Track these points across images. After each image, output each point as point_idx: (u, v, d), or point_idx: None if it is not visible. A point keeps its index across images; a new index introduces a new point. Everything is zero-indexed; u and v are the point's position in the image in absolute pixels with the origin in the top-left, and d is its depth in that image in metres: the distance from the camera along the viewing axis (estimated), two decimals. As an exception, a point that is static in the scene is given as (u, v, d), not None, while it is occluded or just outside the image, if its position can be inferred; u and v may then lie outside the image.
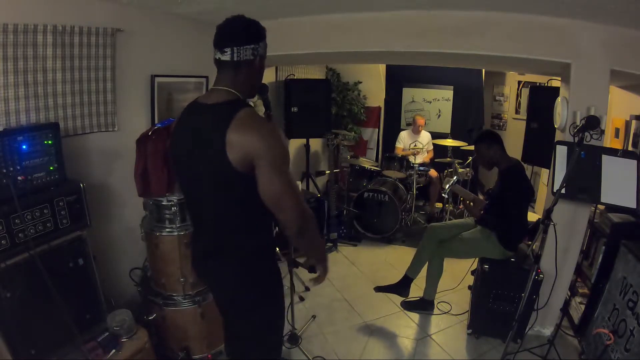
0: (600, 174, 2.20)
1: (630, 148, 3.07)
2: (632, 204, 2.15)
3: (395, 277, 2.91)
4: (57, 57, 1.97)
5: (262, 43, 1.28)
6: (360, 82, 5.63)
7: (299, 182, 4.05)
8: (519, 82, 5.57)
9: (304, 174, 4.48)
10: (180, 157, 1.32)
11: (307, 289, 3.17)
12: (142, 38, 2.39)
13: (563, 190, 2.07)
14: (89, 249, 1.92)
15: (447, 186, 3.00)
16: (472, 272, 2.91)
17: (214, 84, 1.30)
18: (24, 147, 1.68)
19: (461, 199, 4.38)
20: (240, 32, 1.23)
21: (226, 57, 1.22)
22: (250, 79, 1.29)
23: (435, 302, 2.91)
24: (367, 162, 4.83)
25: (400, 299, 2.91)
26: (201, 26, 2.69)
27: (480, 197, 3.10)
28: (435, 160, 4.81)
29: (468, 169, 4.45)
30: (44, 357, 1.70)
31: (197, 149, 1.24)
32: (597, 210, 2.53)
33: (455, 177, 3.08)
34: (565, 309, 2.57)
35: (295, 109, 4.14)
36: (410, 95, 5.63)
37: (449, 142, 4.54)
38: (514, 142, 4.38)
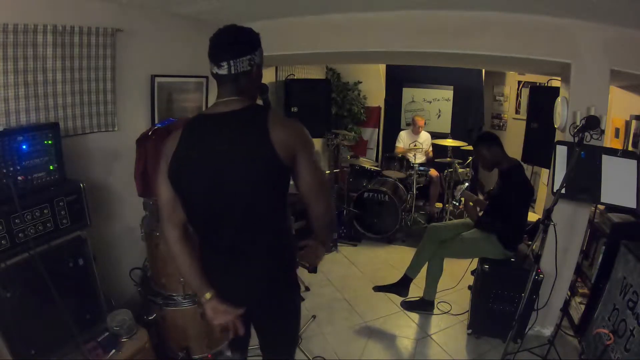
0: (600, 174, 2.20)
1: (630, 148, 3.07)
2: (632, 204, 2.15)
3: (395, 277, 2.91)
4: (57, 57, 1.97)
5: (258, 51, 1.28)
6: (360, 82, 5.63)
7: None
8: (519, 82, 5.57)
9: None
10: (198, 167, 1.27)
11: (307, 288, 3.17)
12: (142, 38, 2.39)
13: (563, 190, 2.07)
14: (89, 249, 1.92)
15: (459, 194, 3.01)
16: (472, 272, 2.90)
17: (218, 97, 1.29)
18: (24, 147, 1.67)
19: (462, 199, 4.39)
20: (235, 45, 1.23)
21: (223, 71, 1.23)
22: (250, 87, 1.30)
23: (435, 302, 2.91)
24: (367, 162, 4.83)
25: (400, 299, 2.91)
26: (201, 26, 2.68)
27: (480, 197, 3.11)
28: (435, 160, 4.81)
29: (468, 169, 4.45)
30: (44, 357, 1.69)
31: (234, 153, 1.21)
32: (597, 210, 2.53)
33: (465, 185, 3.08)
34: (565, 309, 2.57)
35: (295, 109, 4.14)
36: (410, 95, 5.63)
37: (449, 142, 4.54)
38: (514, 142, 4.39)
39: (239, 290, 1.39)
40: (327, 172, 4.07)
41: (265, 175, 1.23)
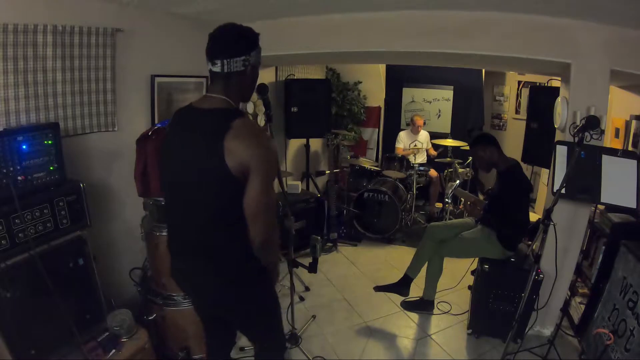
0: (600, 174, 2.20)
1: (630, 148, 3.07)
2: (632, 204, 2.15)
3: (395, 277, 2.91)
4: (57, 57, 1.97)
5: (254, 52, 1.29)
6: (360, 82, 5.63)
7: (298, 182, 4.05)
8: (519, 82, 5.57)
9: (304, 174, 4.48)
10: (171, 158, 1.35)
11: (307, 288, 3.17)
12: (142, 38, 2.39)
13: (563, 190, 2.07)
14: (89, 249, 1.93)
15: (450, 191, 3.02)
16: (472, 272, 2.90)
17: (207, 91, 1.32)
18: (24, 147, 1.68)
19: (461, 199, 4.39)
20: (231, 44, 1.25)
21: (217, 68, 1.25)
22: (241, 88, 1.32)
23: (435, 302, 2.91)
24: (367, 162, 4.83)
25: (400, 299, 2.91)
26: (201, 26, 2.67)
27: (480, 197, 3.11)
28: (435, 160, 4.81)
29: (468, 169, 4.45)
30: (44, 357, 1.70)
31: (192, 152, 1.26)
32: (597, 210, 2.53)
33: (457, 182, 3.09)
34: (565, 309, 2.57)
35: (295, 109, 4.14)
36: (410, 95, 5.63)
37: (449, 142, 4.54)
38: (514, 142, 4.39)
39: (194, 288, 1.48)
40: (327, 172, 4.06)
41: (212, 182, 1.24)
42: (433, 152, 4.93)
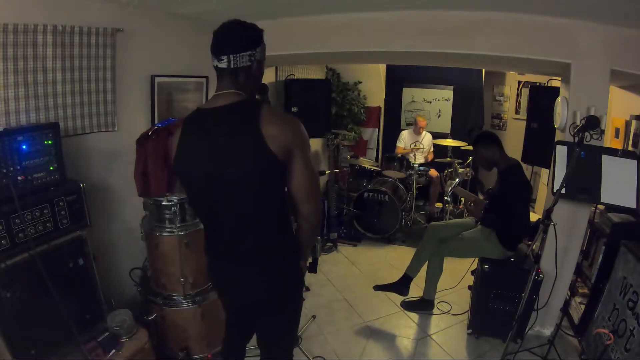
0: (600, 174, 2.20)
1: (630, 148, 3.07)
2: (632, 204, 2.15)
3: (395, 277, 2.91)
4: (57, 57, 1.97)
5: (260, 47, 1.28)
6: (360, 82, 5.62)
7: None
8: (519, 82, 5.57)
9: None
10: (197, 165, 1.28)
11: (307, 288, 3.17)
12: (142, 38, 2.39)
13: (563, 190, 2.07)
14: (89, 249, 1.92)
15: (449, 189, 3.01)
16: (472, 272, 2.91)
17: (217, 90, 1.30)
18: (24, 147, 1.67)
19: (461, 199, 4.39)
20: (236, 39, 1.24)
21: (223, 64, 1.24)
22: (249, 83, 1.30)
23: (435, 302, 2.91)
24: (367, 162, 4.83)
25: (400, 299, 2.91)
26: (201, 26, 2.67)
27: (480, 197, 3.11)
28: (436, 160, 4.81)
29: (468, 168, 4.45)
30: (44, 357, 1.69)
31: (227, 148, 1.22)
32: (597, 210, 2.53)
33: (456, 180, 3.09)
34: (565, 309, 2.57)
35: (295, 109, 4.13)
36: (410, 95, 5.63)
37: (449, 142, 4.54)
38: (514, 142, 4.38)
39: (237, 288, 1.42)
40: (327, 172, 4.07)
41: (258, 170, 1.23)
42: (430, 156, 4.93)
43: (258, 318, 1.51)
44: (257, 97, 1.56)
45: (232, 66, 1.23)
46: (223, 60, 1.23)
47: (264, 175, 1.24)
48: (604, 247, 2.46)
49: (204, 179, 1.29)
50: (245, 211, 1.29)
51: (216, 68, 1.27)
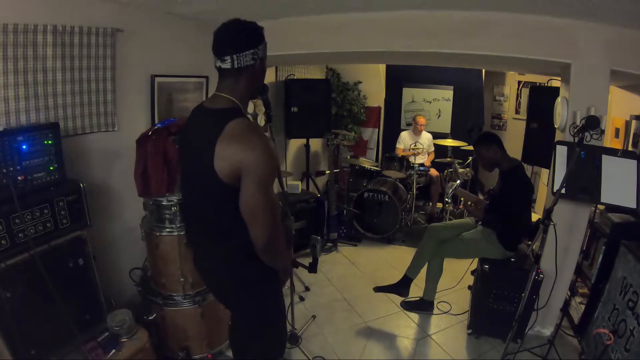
0: (600, 174, 2.20)
1: (630, 148, 3.07)
2: (632, 204, 2.15)
3: (395, 277, 2.91)
4: (57, 57, 1.97)
5: (262, 45, 1.28)
6: (360, 82, 5.63)
7: (298, 182, 4.05)
8: (519, 82, 5.57)
9: (304, 174, 4.48)
10: (183, 158, 1.43)
11: (307, 288, 3.17)
12: (142, 38, 2.39)
13: (563, 190, 2.07)
14: (89, 249, 1.93)
15: (450, 191, 3.01)
16: (472, 272, 2.90)
17: (216, 89, 1.31)
18: (24, 147, 1.68)
19: (461, 199, 4.39)
20: (238, 38, 1.23)
21: (227, 64, 1.23)
22: (252, 83, 1.31)
23: (435, 302, 2.91)
24: (367, 162, 4.83)
25: (400, 299, 2.91)
26: (201, 26, 2.68)
27: (480, 197, 3.11)
28: (436, 160, 4.81)
29: (468, 169, 4.45)
30: (44, 357, 1.70)
31: (193, 153, 1.30)
32: (597, 210, 2.53)
33: (458, 181, 3.09)
34: (565, 309, 2.57)
35: (295, 109, 4.14)
36: (410, 95, 5.63)
37: (449, 142, 4.54)
38: (514, 142, 4.39)
39: (207, 282, 1.59)
40: (327, 172, 4.07)
41: (204, 184, 1.26)
42: (432, 157, 4.93)
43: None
44: (257, 97, 1.57)
45: (235, 66, 1.23)
46: (226, 60, 1.23)
47: (208, 189, 1.26)
48: (604, 247, 2.46)
49: (183, 175, 1.45)
50: (204, 215, 1.36)
51: (219, 69, 1.27)
